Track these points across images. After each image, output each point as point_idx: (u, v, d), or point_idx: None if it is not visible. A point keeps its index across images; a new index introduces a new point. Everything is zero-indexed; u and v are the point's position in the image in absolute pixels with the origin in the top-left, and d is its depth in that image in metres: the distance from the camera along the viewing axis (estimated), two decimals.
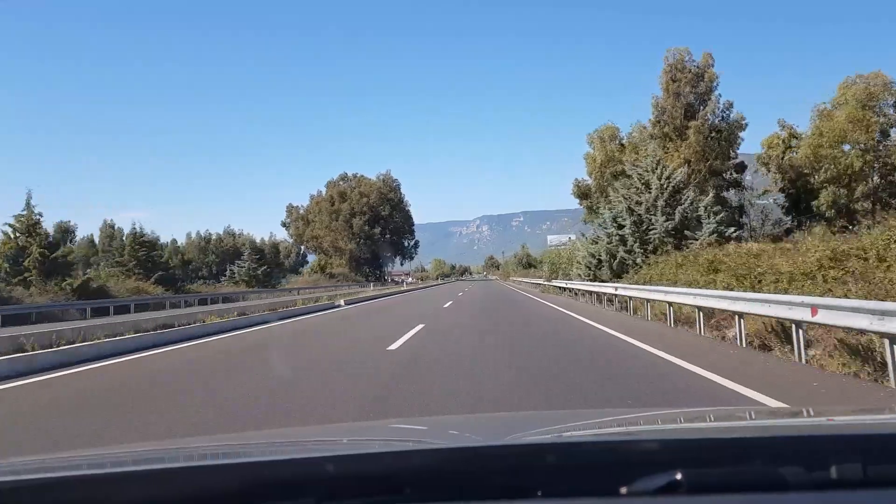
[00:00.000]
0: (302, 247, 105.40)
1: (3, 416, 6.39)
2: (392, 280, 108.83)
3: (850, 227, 23.00)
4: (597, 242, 26.66)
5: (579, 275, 27.08)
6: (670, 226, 24.43)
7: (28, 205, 35.36)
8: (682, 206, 24.91)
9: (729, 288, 13.18)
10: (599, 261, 25.67)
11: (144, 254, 41.96)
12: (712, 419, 2.18)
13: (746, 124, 41.93)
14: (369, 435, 2.04)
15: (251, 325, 16.51)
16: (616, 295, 19.30)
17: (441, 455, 1.28)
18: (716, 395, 5.97)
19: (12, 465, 1.49)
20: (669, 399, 5.88)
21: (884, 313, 6.08)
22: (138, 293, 35.69)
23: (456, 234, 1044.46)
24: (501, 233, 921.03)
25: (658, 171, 26.08)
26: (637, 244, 24.49)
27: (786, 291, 9.95)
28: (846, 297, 8.23)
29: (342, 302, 25.82)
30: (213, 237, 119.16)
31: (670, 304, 14.18)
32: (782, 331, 9.33)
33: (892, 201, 33.95)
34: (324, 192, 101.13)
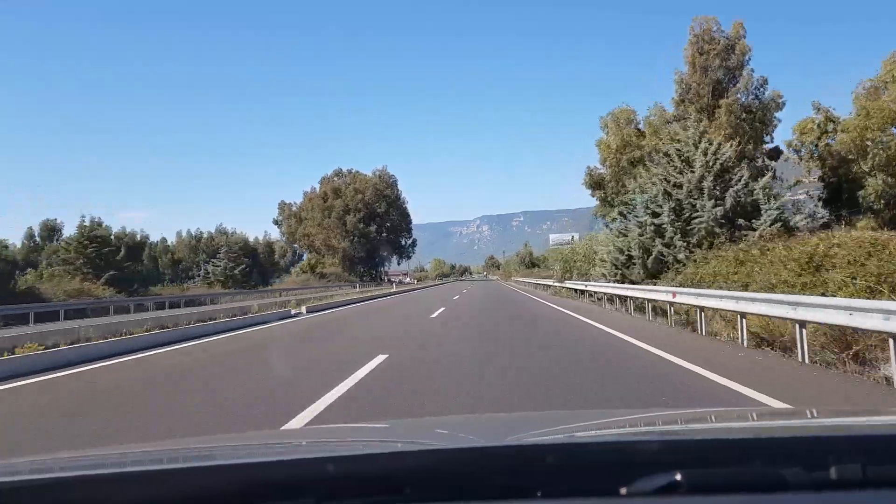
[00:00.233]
0: (295, 246, 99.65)
1: None
2: (388, 280, 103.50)
3: None
4: (625, 235, 21.17)
5: (603, 275, 21.61)
6: (720, 212, 19.00)
7: None
8: (735, 189, 19.46)
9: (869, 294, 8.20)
10: (629, 257, 20.21)
11: (94, 250, 36.42)
12: (712, 419, 2.12)
13: (784, 103, 36.44)
14: (369, 435, 2.00)
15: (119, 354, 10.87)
16: (672, 303, 13.77)
17: (441, 455, 1.27)
18: None
19: (12, 465, 1.49)
20: None
21: None
22: (79, 296, 30.22)
23: (456, 234, 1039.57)
24: (501, 233, 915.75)
25: (703, 144, 20.56)
26: (678, 236, 19.07)
27: None
28: None
29: (303, 309, 20.45)
30: (205, 236, 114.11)
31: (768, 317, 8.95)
32: None
33: None
34: (318, 189, 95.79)
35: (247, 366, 9.25)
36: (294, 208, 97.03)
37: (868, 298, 8.17)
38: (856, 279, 9.68)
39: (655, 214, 19.76)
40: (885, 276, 9.41)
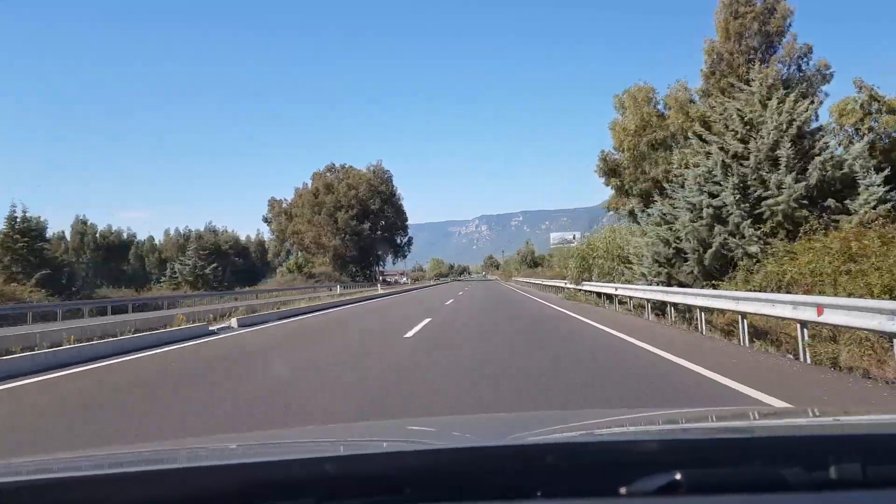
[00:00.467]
0: (287, 244, 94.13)
1: None
2: (384, 280, 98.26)
3: None
4: (668, 222, 15.83)
5: (644, 274, 16.28)
6: (802, 189, 13.78)
7: None
8: (821, 158, 14.24)
9: None
10: (677, 251, 14.95)
11: (25, 246, 31.13)
12: (712, 419, 2.12)
13: (832, 75, 31.19)
14: (369, 435, 2.02)
15: None
16: (812, 323, 8.27)
17: (441, 455, 1.26)
18: None
19: (12, 465, 1.49)
20: None
21: None
22: None
23: (455, 234, 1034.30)
24: (500, 232, 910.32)
25: (774, 102, 15.22)
26: (747, 222, 13.79)
27: None
28: None
29: (233, 322, 15.12)
30: (193, 234, 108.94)
31: None
32: None
33: None
34: (309, 185, 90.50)
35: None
36: (285, 205, 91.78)
37: None
38: None
39: (713, 195, 14.45)
40: None
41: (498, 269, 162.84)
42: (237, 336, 13.64)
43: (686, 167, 16.08)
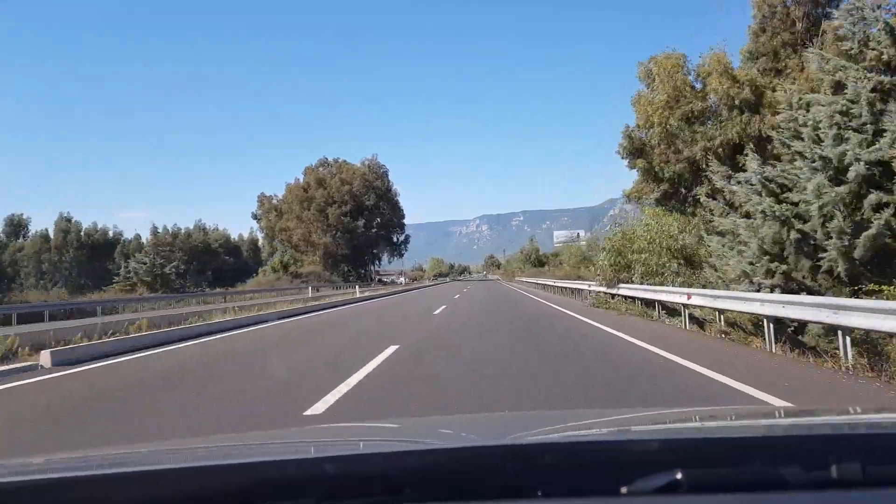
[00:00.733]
0: (276, 242, 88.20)
1: None
2: (379, 280, 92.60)
3: None
4: (776, 193, 9.84)
5: (745, 273, 10.11)
6: None
7: None
8: None
9: None
10: (802, 237, 9.09)
11: None
12: (712, 419, 2.12)
13: None
14: (370, 435, 1.98)
15: None
16: None
17: (441, 455, 1.25)
18: None
19: (12, 465, 1.48)
20: None
21: None
22: None
23: (455, 234, 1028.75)
24: (501, 232, 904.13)
25: None
26: None
27: None
28: None
29: (44, 361, 8.76)
30: (182, 232, 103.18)
31: None
32: None
33: None
34: (301, 180, 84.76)
35: None
36: (275, 201, 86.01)
37: None
38: None
39: (870, 143, 8.55)
40: None
41: (499, 268, 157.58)
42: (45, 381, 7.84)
43: (799, 108, 10.25)
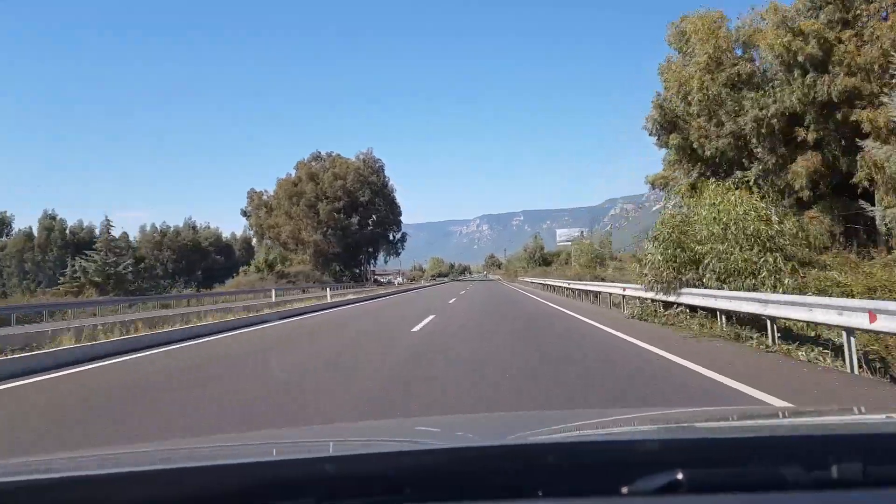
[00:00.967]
0: (267, 241, 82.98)
1: None
2: (375, 280, 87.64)
3: None
4: None
5: None
6: None
7: None
8: None
9: None
10: None
11: None
12: (713, 419, 2.08)
13: None
14: (369, 435, 1.96)
15: None
16: None
17: (441, 455, 1.24)
18: None
19: (12, 465, 1.47)
20: None
21: None
22: None
23: (456, 234, 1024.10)
24: (501, 232, 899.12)
25: None
26: None
27: None
28: None
29: None
30: (171, 231, 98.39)
31: None
32: None
33: None
34: (293, 175, 79.70)
35: None
36: (265, 197, 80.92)
37: None
38: None
39: None
40: None
41: (500, 268, 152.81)
42: None
43: None
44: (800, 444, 1.22)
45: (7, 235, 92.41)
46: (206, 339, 12.55)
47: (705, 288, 9.92)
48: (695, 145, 22.35)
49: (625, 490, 1.01)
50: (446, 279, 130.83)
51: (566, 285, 25.74)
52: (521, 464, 1.12)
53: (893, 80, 16.89)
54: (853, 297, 7.78)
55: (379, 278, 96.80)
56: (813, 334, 8.57)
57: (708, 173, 24.48)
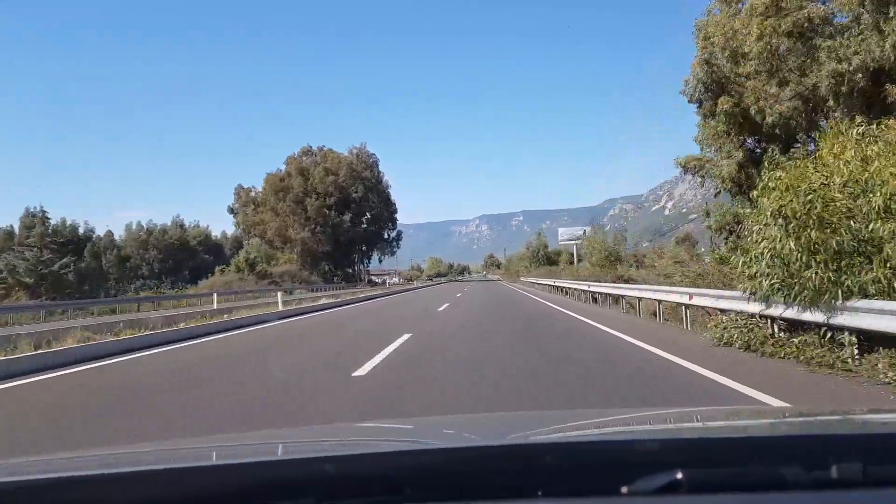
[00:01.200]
0: (256, 239, 77.90)
1: None
2: (369, 281, 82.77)
3: None
4: None
5: None
6: None
7: None
8: None
9: None
10: None
11: None
12: (713, 419, 2.04)
13: None
14: (369, 435, 1.92)
15: None
16: None
17: (441, 455, 1.23)
18: None
19: (12, 465, 1.45)
20: None
21: None
22: None
23: (455, 234, 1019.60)
24: (501, 232, 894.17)
25: None
26: None
27: None
28: None
29: None
30: (157, 229, 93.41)
31: None
32: None
33: None
34: (282, 170, 74.73)
35: None
36: (254, 193, 75.93)
37: None
38: None
39: None
40: None
41: (499, 268, 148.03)
42: None
43: None
44: (800, 444, 1.21)
45: None
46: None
47: None
48: (752, 110, 17.48)
49: (625, 490, 1.00)
50: (443, 280, 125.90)
51: (585, 287, 20.89)
52: (520, 464, 1.11)
53: None
54: None
55: (374, 278, 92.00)
56: None
57: (757, 151, 19.64)
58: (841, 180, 6.79)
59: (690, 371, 6.52)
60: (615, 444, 1.33)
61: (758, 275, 6.67)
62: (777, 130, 18.40)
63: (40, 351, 9.08)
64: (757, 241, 6.74)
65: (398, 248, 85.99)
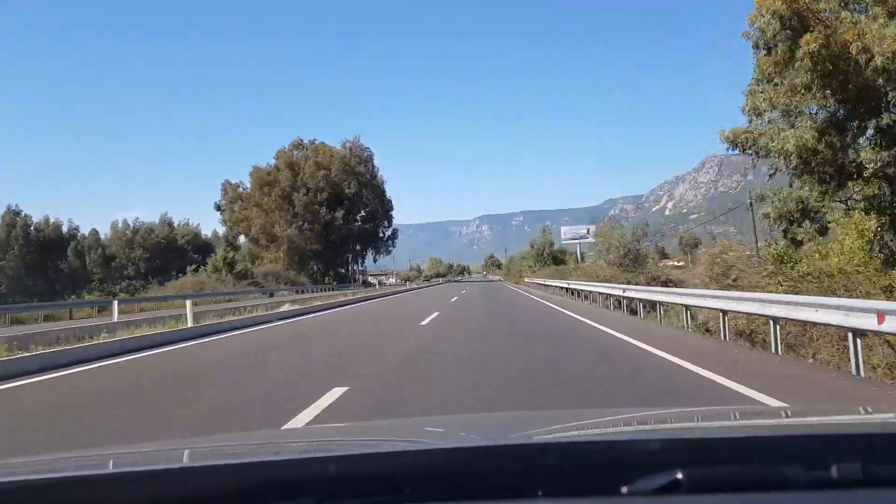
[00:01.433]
0: (242, 237, 73.01)
1: None
2: (364, 282, 78.09)
3: None
4: None
5: None
6: None
7: None
8: None
9: None
10: None
11: None
12: (712, 419, 2.04)
13: None
14: (369, 435, 1.93)
15: None
16: None
17: (441, 455, 1.23)
18: None
19: (12, 465, 1.45)
20: None
21: None
22: None
23: (455, 234, 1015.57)
24: (501, 232, 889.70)
25: None
26: None
27: None
28: None
29: None
30: (143, 228, 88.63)
31: None
32: None
33: None
34: (272, 164, 69.94)
35: None
36: (241, 189, 71.12)
37: None
38: None
39: None
40: None
41: (499, 268, 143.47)
42: None
43: None
44: (800, 444, 1.21)
45: None
46: None
47: None
48: (852, 49, 12.61)
49: (625, 490, 1.00)
50: (441, 280, 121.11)
51: (613, 292, 16.15)
52: (520, 464, 1.11)
53: None
54: None
55: (370, 279, 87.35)
56: None
57: (844, 114, 14.92)
58: None
59: None
60: (615, 444, 1.33)
61: None
62: (877, 81, 13.53)
63: None
64: None
65: (394, 246, 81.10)
